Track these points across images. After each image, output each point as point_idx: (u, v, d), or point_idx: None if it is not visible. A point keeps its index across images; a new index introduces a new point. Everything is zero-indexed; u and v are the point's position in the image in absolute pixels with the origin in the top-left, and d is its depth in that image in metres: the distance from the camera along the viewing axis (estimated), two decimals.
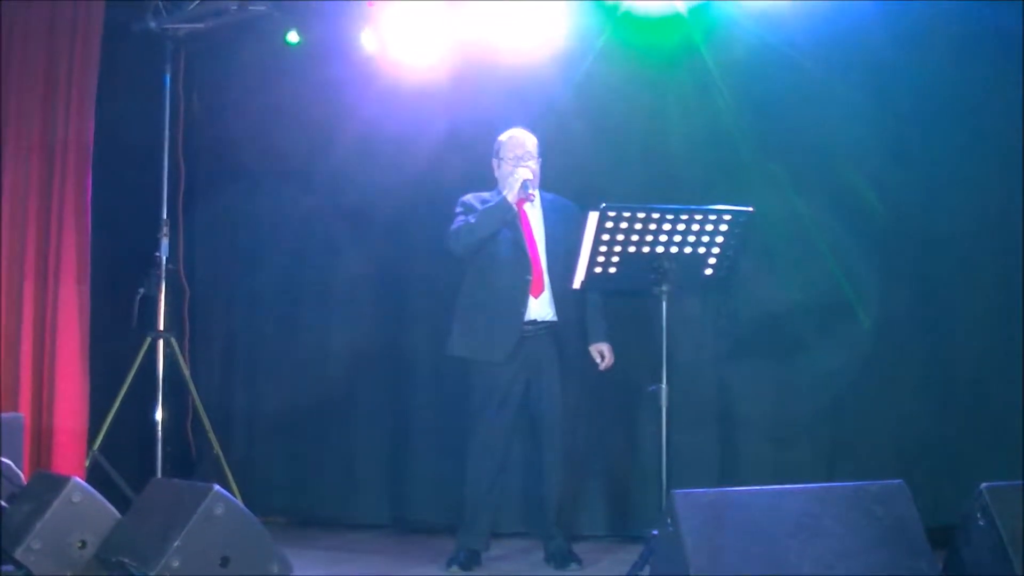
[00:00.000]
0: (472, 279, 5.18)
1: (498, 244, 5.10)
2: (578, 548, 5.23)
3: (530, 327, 5.07)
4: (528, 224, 5.17)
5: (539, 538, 5.37)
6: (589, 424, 5.79)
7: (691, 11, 5.78)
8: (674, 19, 5.80)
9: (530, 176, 5.07)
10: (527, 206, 5.18)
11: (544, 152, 5.23)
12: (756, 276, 5.58)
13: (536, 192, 5.16)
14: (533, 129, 5.28)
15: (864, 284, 5.58)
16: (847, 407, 5.57)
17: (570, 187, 5.48)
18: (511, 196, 5.05)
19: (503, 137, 5.25)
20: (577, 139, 5.89)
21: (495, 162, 5.26)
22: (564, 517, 5.19)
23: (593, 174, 5.86)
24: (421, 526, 6.24)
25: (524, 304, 5.06)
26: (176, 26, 6.28)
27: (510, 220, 5.09)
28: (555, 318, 5.11)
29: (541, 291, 5.09)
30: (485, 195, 5.21)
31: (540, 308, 5.09)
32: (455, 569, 5.05)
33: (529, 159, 5.15)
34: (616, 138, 6.00)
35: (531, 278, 5.07)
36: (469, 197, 5.23)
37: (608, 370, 5.24)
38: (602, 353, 5.20)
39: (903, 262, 5.55)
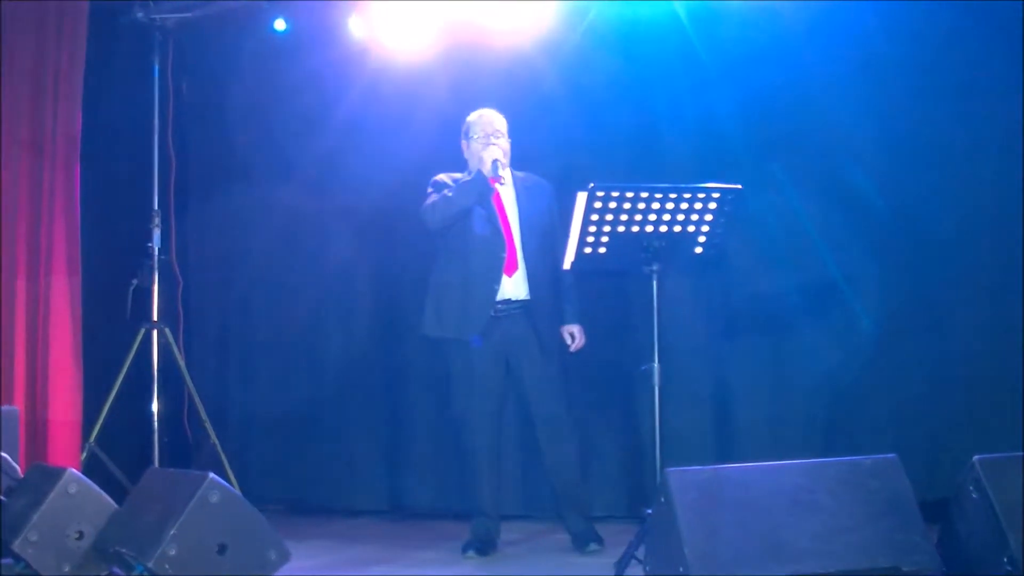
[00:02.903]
0: (444, 258, 5.14)
1: (471, 222, 5.04)
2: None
3: (503, 307, 5.01)
4: (501, 202, 5.11)
5: (555, 520, 5.33)
6: (594, 407, 5.81)
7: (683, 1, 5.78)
8: (665, 7, 5.79)
9: (500, 156, 5.00)
10: (499, 185, 5.10)
11: (532, 136, 5.20)
12: (750, 258, 5.60)
13: (508, 171, 5.11)
14: (522, 114, 5.27)
15: (858, 263, 5.60)
16: (842, 384, 5.59)
17: (558, 172, 5.49)
18: (487, 172, 4.98)
19: (472, 117, 5.19)
20: (566, 125, 5.88)
21: (464, 143, 5.20)
22: (576, 499, 5.10)
23: (582, 159, 5.86)
24: (418, 511, 6.26)
25: (497, 281, 5.00)
26: (164, 16, 6.27)
27: (485, 197, 5.03)
28: (528, 297, 5.05)
29: (515, 270, 5.04)
30: (457, 175, 5.15)
31: (514, 288, 5.03)
32: (471, 554, 4.99)
33: (499, 138, 5.09)
34: (605, 124, 6.00)
35: (505, 256, 5.02)
36: (442, 176, 5.18)
37: (579, 351, 5.19)
38: (572, 334, 5.15)
39: (897, 242, 5.56)
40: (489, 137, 5.09)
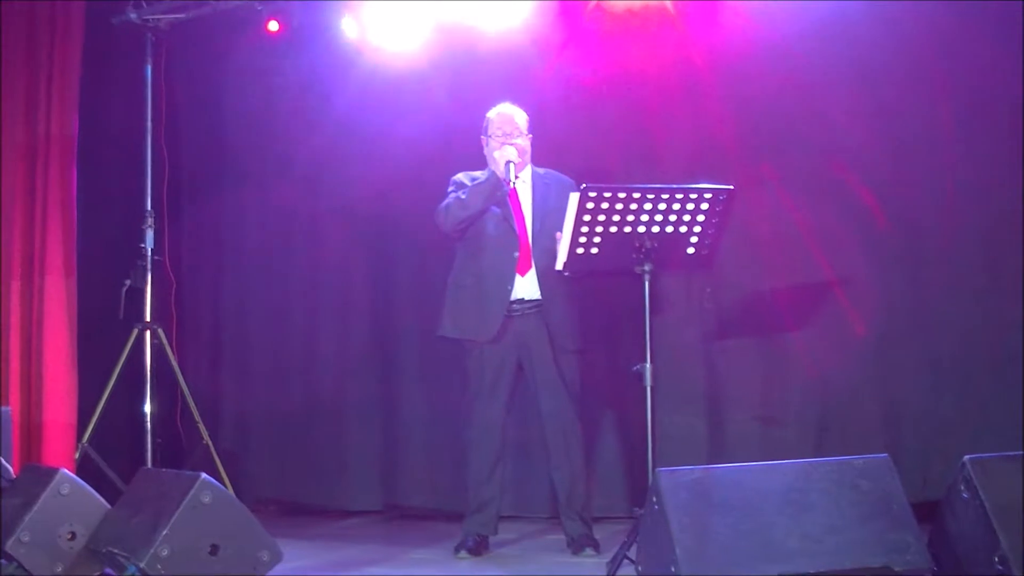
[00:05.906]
0: (461, 258, 5.12)
1: (486, 221, 5.02)
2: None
3: (517, 306, 4.97)
4: (517, 201, 5.07)
5: (548, 521, 5.32)
6: (586, 407, 5.80)
7: (676, 3, 5.77)
8: (659, 9, 5.79)
9: (515, 157, 4.95)
10: (517, 182, 5.04)
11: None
12: (743, 259, 5.60)
13: (528, 168, 5.09)
14: None
15: (850, 264, 5.60)
16: (834, 384, 5.59)
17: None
18: (500, 174, 4.94)
19: (491, 113, 5.15)
20: (559, 127, 5.87)
21: (483, 139, 5.15)
22: (576, 500, 5.05)
23: (574, 162, 5.83)
24: (412, 511, 6.26)
25: (510, 282, 4.97)
26: (157, 17, 6.26)
27: (500, 198, 5.00)
28: (540, 297, 4.99)
29: (528, 269, 4.99)
30: (476, 174, 5.09)
31: (527, 287, 4.99)
32: (464, 554, 4.98)
33: (517, 136, 5.05)
34: (599, 126, 6.00)
35: (518, 255, 4.98)
36: (460, 176, 5.13)
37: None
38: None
39: (890, 243, 5.56)
40: (508, 136, 5.04)
